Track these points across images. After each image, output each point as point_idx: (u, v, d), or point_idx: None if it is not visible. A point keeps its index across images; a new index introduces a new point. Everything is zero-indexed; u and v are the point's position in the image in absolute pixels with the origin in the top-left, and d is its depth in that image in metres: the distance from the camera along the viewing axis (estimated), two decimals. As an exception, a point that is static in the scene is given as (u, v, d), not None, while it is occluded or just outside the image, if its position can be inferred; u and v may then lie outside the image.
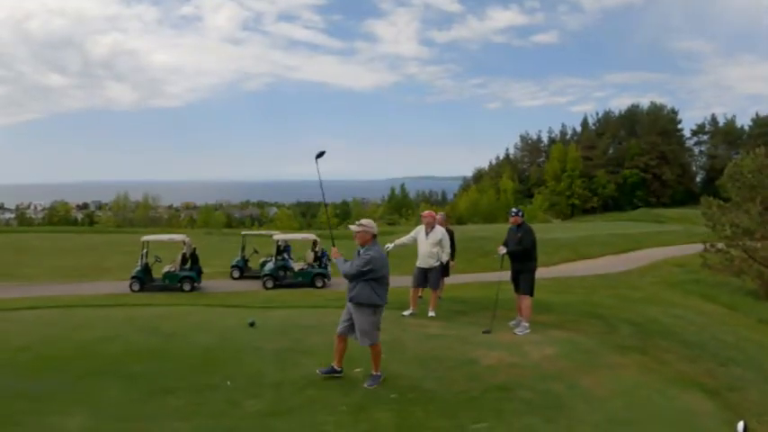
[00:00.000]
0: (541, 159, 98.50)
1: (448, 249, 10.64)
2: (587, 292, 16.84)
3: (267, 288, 21.47)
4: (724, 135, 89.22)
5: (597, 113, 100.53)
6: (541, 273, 21.77)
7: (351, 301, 6.70)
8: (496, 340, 8.76)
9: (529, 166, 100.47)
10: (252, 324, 9.51)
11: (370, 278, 6.56)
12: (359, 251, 6.74)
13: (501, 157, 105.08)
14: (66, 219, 78.69)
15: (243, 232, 27.62)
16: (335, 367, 6.92)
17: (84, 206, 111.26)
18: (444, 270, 11.38)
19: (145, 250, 22.49)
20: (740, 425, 5.48)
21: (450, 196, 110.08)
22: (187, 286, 21.61)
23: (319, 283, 21.80)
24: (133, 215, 76.01)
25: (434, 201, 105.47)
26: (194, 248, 22.64)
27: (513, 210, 9.88)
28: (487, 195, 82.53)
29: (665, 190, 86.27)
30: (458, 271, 22.34)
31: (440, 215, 11.91)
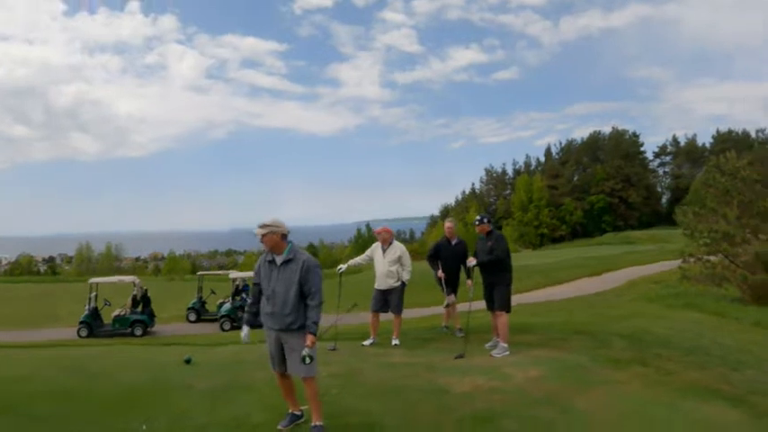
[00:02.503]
0: (507, 192, 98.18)
1: (409, 267, 9.26)
2: (567, 313, 15.68)
3: (224, 330, 20.11)
4: (686, 154, 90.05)
5: (560, 143, 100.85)
6: (514, 299, 20.52)
7: (288, 328, 5.05)
8: (471, 365, 7.46)
9: (495, 199, 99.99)
10: (188, 361, 8.19)
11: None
12: (272, 259, 5.19)
13: (467, 192, 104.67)
14: (30, 271, 76.07)
15: (199, 273, 26.09)
16: (295, 412, 5.42)
17: (51, 259, 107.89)
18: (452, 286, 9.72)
19: (93, 293, 21.19)
20: None
21: (418, 235, 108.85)
22: (138, 331, 20.30)
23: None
24: (97, 266, 74.24)
25: (403, 239, 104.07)
26: (146, 290, 21.27)
27: (478, 218, 8.52)
28: (455, 230, 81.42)
29: (632, 213, 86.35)
30: (425, 302, 21.10)
31: (449, 223, 10.39)
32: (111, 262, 76.08)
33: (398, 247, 9.25)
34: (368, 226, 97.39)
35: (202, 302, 23.22)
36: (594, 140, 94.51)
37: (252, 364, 7.76)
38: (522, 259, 42.87)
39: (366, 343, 9.09)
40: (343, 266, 9.38)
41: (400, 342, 9.08)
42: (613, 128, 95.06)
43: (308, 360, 4.86)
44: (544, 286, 27.54)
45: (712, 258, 18.76)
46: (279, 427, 5.26)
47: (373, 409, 5.73)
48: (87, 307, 20.55)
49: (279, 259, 5.13)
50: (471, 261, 8.34)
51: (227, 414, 5.70)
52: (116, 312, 20.81)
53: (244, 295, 22.53)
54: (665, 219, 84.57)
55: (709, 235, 18.44)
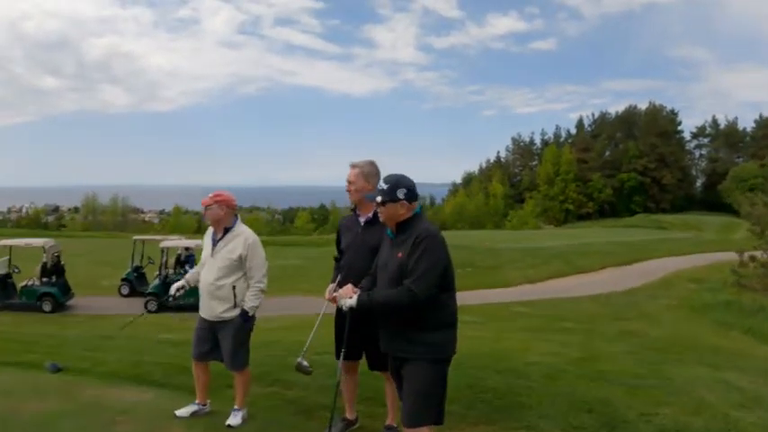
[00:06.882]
0: (534, 163, 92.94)
1: (260, 283, 4.45)
2: (584, 331, 11.37)
3: (149, 311, 16.04)
4: (725, 138, 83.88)
5: (593, 115, 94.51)
6: (525, 292, 15.97)
7: None
8: None
9: (521, 169, 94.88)
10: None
11: None
12: None
13: (492, 161, 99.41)
14: (36, 222, 73.78)
15: (134, 237, 21.39)
16: None
17: (76, 210, 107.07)
18: None
19: (4, 258, 17.42)
20: None
21: (438, 201, 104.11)
22: (47, 306, 16.77)
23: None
24: (103, 218, 73.22)
25: (422, 206, 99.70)
26: (58, 257, 17.32)
27: (382, 187, 3.31)
28: (476, 200, 77.61)
29: (665, 195, 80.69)
30: (315, 289, 16.41)
31: (354, 170, 4.14)
32: (116, 215, 74.38)
33: (242, 238, 4.43)
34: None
35: (139, 273, 19.16)
36: (630, 115, 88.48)
37: None
38: (540, 239, 38.40)
39: (181, 412, 4.57)
40: (180, 284, 4.60)
41: (243, 419, 4.47)
42: (650, 103, 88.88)
43: None
44: (563, 275, 23.35)
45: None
46: None
47: None
48: None
49: None
50: (346, 297, 3.32)
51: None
52: (23, 283, 17.09)
53: (188, 267, 18.39)
54: (698, 203, 79.31)
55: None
